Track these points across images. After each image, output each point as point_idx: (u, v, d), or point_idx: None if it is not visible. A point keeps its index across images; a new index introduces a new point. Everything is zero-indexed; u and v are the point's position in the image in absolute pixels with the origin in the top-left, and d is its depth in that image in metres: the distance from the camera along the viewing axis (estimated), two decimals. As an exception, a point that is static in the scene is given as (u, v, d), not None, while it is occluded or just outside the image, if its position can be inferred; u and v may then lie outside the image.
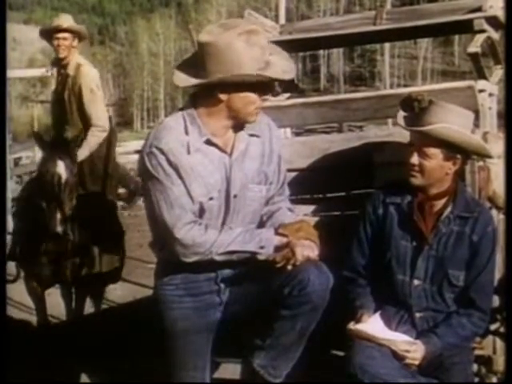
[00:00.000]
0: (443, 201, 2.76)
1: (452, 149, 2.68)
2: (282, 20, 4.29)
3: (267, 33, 3.91)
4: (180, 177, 2.45)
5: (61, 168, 4.27)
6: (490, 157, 2.84)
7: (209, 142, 2.50)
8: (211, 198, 2.50)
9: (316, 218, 3.17)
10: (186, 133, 2.48)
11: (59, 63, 5.13)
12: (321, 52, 58.68)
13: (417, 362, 2.63)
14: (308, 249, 2.46)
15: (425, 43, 57.32)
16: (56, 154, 4.32)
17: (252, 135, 2.60)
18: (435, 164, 2.69)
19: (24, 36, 74.70)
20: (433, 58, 60.94)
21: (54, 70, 5.26)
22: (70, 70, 5.02)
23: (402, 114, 2.85)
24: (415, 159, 2.70)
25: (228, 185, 2.52)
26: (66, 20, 5.12)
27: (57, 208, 4.21)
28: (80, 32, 5.13)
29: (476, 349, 2.91)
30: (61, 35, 5.01)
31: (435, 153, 2.68)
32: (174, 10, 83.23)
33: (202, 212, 2.51)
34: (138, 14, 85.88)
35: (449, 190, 2.76)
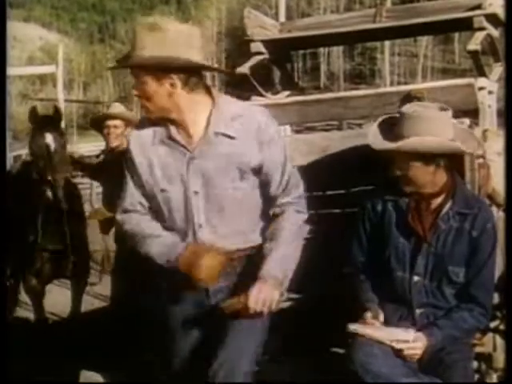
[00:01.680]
0: (441, 198, 2.75)
1: (427, 156, 2.67)
2: (282, 18, 4.30)
3: (266, 31, 3.92)
4: (137, 166, 2.57)
5: (49, 139, 4.41)
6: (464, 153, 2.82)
7: (171, 137, 2.53)
8: (163, 190, 2.55)
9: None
10: (154, 124, 2.56)
11: (111, 152, 4.86)
12: (321, 50, 58.50)
13: (419, 352, 2.63)
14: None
15: (425, 41, 57.17)
16: (44, 128, 4.45)
17: (225, 135, 2.51)
18: (415, 172, 2.69)
19: (24, 34, 74.55)
20: (433, 55, 60.83)
21: (102, 157, 5.08)
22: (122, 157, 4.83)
23: (376, 130, 2.82)
24: (397, 173, 2.71)
25: (186, 181, 2.52)
26: (116, 107, 5.10)
27: (48, 175, 4.32)
28: (131, 119, 4.91)
29: (476, 346, 2.92)
30: (111, 123, 4.86)
31: (412, 163, 2.68)
32: (173, 7, 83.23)
33: (155, 203, 2.58)
34: (138, 12, 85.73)
35: (444, 187, 2.75)
